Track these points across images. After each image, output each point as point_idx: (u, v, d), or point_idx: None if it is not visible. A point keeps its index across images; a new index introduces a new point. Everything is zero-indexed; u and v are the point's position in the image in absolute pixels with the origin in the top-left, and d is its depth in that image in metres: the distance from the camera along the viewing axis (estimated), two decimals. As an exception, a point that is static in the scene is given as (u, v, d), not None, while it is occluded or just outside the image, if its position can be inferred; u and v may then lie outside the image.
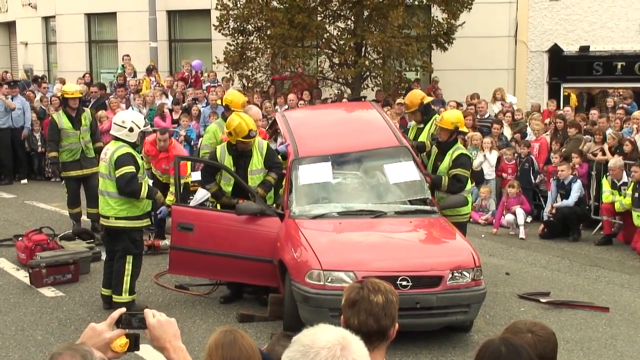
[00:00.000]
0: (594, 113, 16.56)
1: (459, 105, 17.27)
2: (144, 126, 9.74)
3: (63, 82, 19.71)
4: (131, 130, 9.37)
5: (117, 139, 9.45)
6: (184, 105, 18.49)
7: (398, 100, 17.36)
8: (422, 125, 10.90)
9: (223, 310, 9.63)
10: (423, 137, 10.66)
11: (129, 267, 9.42)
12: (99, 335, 2.86)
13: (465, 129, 10.76)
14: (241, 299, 10.01)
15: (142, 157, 10.38)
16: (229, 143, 9.82)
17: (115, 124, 9.54)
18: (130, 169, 9.26)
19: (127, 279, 9.41)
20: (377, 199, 9.82)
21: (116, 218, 9.40)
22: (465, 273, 8.40)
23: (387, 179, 9.83)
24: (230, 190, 9.88)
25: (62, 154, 13.05)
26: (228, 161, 9.81)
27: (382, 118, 10.80)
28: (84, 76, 22.09)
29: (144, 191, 9.39)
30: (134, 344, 2.94)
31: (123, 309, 3.00)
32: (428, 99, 11.03)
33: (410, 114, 11.52)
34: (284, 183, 9.97)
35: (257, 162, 9.86)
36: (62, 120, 12.96)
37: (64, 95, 13.19)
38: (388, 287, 3.46)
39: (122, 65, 22.05)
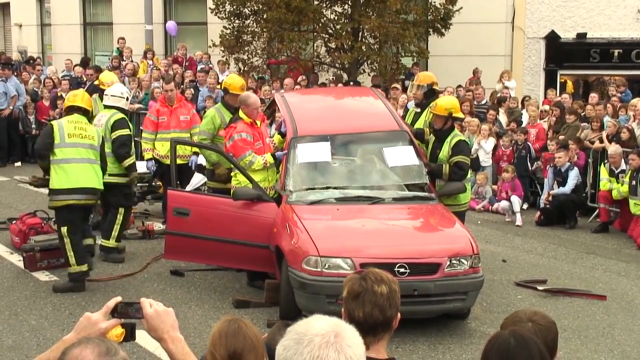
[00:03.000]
0: (593, 96, 16.43)
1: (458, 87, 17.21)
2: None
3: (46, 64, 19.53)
4: (127, 99, 11.13)
5: (109, 107, 10.89)
6: (181, 88, 18.37)
7: (393, 85, 17.30)
8: (419, 110, 10.83)
9: (219, 295, 9.58)
10: (420, 123, 10.57)
11: (120, 217, 10.79)
12: (94, 325, 2.78)
13: (460, 115, 10.55)
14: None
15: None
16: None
17: (114, 95, 10.96)
18: (127, 131, 10.73)
19: (116, 227, 10.77)
20: (375, 181, 9.76)
21: (110, 175, 10.40)
22: (463, 260, 8.34)
23: (385, 162, 9.75)
24: None
25: None
26: None
27: (382, 103, 10.76)
28: (84, 63, 21.77)
29: (129, 161, 10.69)
30: (130, 334, 2.87)
31: (119, 298, 2.93)
32: (437, 87, 11.03)
33: (415, 87, 11.08)
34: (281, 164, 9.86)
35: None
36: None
37: (100, 86, 13.09)
38: (390, 277, 3.41)
39: (117, 48, 21.93)
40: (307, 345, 2.38)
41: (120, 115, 10.77)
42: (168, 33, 21.69)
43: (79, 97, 10.04)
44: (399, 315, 3.38)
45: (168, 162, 11.42)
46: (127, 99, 11.11)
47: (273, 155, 9.78)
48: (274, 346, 3.82)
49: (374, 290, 3.30)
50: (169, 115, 12.37)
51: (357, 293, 3.31)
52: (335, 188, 9.58)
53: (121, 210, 10.80)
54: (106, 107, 10.98)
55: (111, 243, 10.78)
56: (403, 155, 9.74)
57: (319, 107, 11.11)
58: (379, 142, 10.11)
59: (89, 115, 10.06)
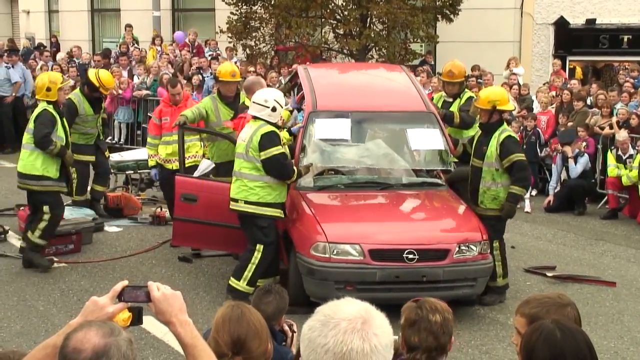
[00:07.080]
0: (594, 87, 16.36)
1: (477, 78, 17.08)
2: (286, 105, 8.90)
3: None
4: (274, 109, 8.49)
5: (256, 118, 8.57)
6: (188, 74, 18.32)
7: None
8: (450, 100, 10.58)
9: (226, 282, 9.53)
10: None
11: (257, 255, 8.57)
12: (101, 309, 2.75)
13: (508, 107, 9.44)
14: None
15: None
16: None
17: (256, 103, 8.55)
18: (278, 149, 8.43)
19: (251, 267, 8.57)
20: (396, 164, 9.44)
21: (245, 202, 8.53)
22: (472, 246, 8.31)
23: (408, 145, 9.51)
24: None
25: (75, 137, 11.56)
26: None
27: (411, 82, 10.41)
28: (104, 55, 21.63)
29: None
30: (137, 318, 2.83)
31: (125, 282, 2.88)
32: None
33: (449, 84, 10.68)
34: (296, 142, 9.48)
35: None
36: (82, 104, 11.89)
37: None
38: (444, 307, 3.81)
39: (124, 35, 21.91)
40: (332, 328, 2.33)
41: (269, 128, 8.47)
42: (175, 40, 21.59)
43: None
44: (452, 339, 3.79)
45: (170, 166, 10.94)
46: (274, 109, 8.46)
47: (289, 131, 9.54)
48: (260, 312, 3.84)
49: (429, 319, 3.70)
50: (171, 115, 10.99)
51: (414, 321, 3.73)
52: (343, 174, 9.52)
53: (259, 247, 8.59)
54: (255, 118, 8.65)
55: (242, 285, 8.60)
56: (428, 138, 9.41)
57: (342, 82, 10.84)
58: (403, 122, 9.77)
59: None
